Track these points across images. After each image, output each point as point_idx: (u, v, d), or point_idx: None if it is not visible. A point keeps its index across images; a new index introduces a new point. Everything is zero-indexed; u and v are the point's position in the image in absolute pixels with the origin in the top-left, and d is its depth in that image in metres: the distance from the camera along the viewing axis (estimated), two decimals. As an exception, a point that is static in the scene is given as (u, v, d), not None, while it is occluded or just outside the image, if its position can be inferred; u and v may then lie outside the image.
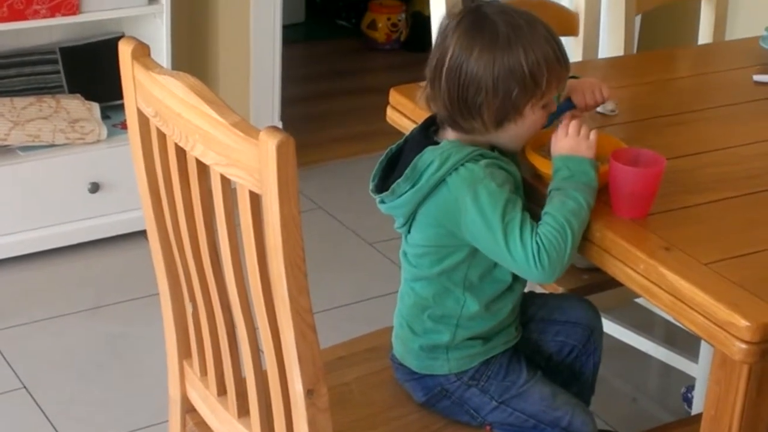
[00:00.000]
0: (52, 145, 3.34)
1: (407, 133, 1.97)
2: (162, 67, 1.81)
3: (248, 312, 1.77)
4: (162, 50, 3.40)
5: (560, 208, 1.79)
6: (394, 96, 2.25)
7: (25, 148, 3.32)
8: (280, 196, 1.55)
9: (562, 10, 2.69)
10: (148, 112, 1.81)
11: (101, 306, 3.23)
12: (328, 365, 1.96)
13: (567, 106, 2.01)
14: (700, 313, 1.64)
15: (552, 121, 1.95)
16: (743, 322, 1.58)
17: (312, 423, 1.71)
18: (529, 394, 1.97)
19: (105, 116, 3.48)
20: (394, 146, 1.94)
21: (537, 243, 1.77)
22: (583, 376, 2.12)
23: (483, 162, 1.82)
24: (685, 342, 2.86)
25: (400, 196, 1.85)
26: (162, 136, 1.80)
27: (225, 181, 1.68)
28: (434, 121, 1.93)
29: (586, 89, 2.03)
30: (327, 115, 4.62)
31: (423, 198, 1.85)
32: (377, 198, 1.91)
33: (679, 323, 1.71)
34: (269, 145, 1.53)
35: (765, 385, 1.68)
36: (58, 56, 3.49)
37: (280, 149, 1.53)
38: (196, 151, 1.71)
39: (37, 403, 2.82)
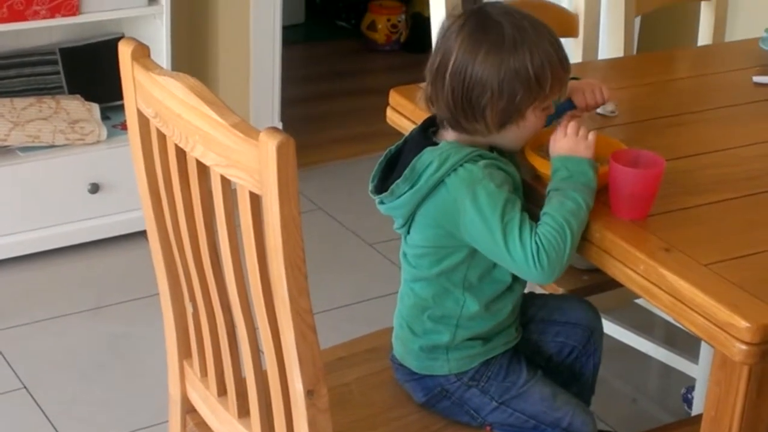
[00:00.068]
0: (52, 146, 3.34)
1: (407, 134, 1.97)
2: (162, 68, 1.81)
3: (248, 312, 1.77)
4: (162, 51, 3.41)
5: (559, 209, 1.79)
6: (394, 97, 2.25)
7: (25, 149, 3.32)
8: (280, 196, 1.55)
9: (561, 11, 2.69)
10: (148, 112, 1.81)
11: (102, 306, 3.23)
12: (328, 366, 1.96)
13: (567, 106, 2.02)
14: (700, 314, 1.64)
15: (551, 121, 1.95)
16: (743, 323, 1.58)
17: (312, 423, 1.72)
18: (529, 394, 1.97)
19: (105, 117, 3.48)
20: (393, 147, 1.94)
21: (536, 243, 1.77)
22: (583, 376, 2.12)
23: (482, 163, 1.82)
24: (685, 343, 2.86)
25: (399, 196, 1.86)
26: (162, 137, 1.80)
27: (225, 182, 1.68)
28: (433, 122, 1.93)
29: (587, 90, 2.04)
30: (327, 116, 4.62)
31: (422, 199, 1.85)
32: (376, 199, 1.91)
33: (679, 324, 1.71)
34: (269, 146, 1.53)
35: (765, 386, 1.68)
36: (58, 57, 3.49)
37: (280, 150, 1.53)
38: (196, 152, 1.71)
39: (37, 404, 2.82)
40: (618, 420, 2.83)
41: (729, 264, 1.72)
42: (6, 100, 3.35)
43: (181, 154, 1.76)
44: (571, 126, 1.87)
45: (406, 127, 2.17)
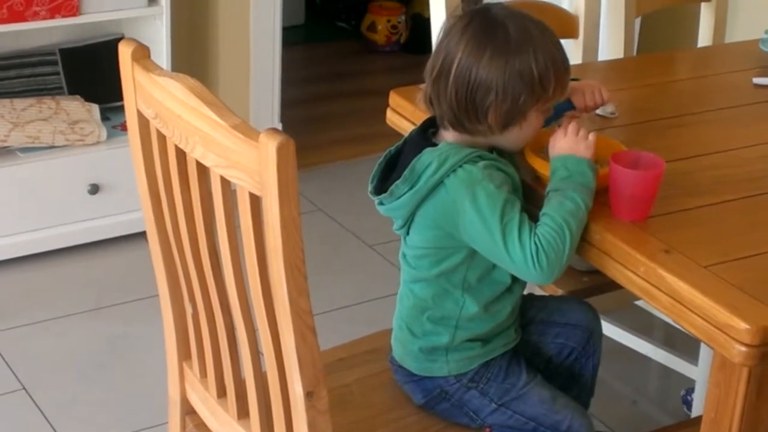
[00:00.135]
0: (52, 147, 3.34)
1: (406, 135, 1.97)
2: (162, 68, 1.81)
3: (248, 314, 1.77)
4: (162, 52, 3.41)
5: (558, 209, 1.79)
6: (394, 98, 2.25)
7: (25, 150, 3.32)
8: (280, 198, 1.55)
9: (561, 12, 2.69)
10: (148, 113, 1.81)
11: (102, 307, 3.23)
12: (328, 367, 1.96)
13: (566, 107, 2.02)
14: (699, 316, 1.64)
15: (550, 122, 1.95)
16: (743, 325, 1.58)
17: (312, 425, 1.72)
18: (528, 396, 1.97)
19: (105, 118, 3.48)
20: (393, 148, 1.94)
21: (535, 244, 1.77)
22: (583, 378, 2.12)
23: (481, 164, 1.82)
24: (684, 345, 2.86)
25: (399, 197, 1.85)
26: (162, 138, 1.80)
27: (225, 183, 1.68)
28: (433, 123, 1.93)
29: (586, 91, 2.04)
30: (327, 117, 4.62)
31: (421, 200, 1.85)
32: (376, 200, 1.91)
33: (678, 326, 1.71)
34: (269, 147, 1.53)
35: (765, 387, 1.68)
36: (57, 57, 3.49)
37: (280, 151, 1.53)
38: (196, 153, 1.71)
39: (36, 404, 2.81)
40: (617, 421, 2.83)
41: (729, 266, 1.72)
42: (6, 101, 3.35)
43: (181, 155, 1.76)
44: (572, 126, 1.87)
45: (406, 128, 2.17)
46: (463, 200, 1.80)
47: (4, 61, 3.41)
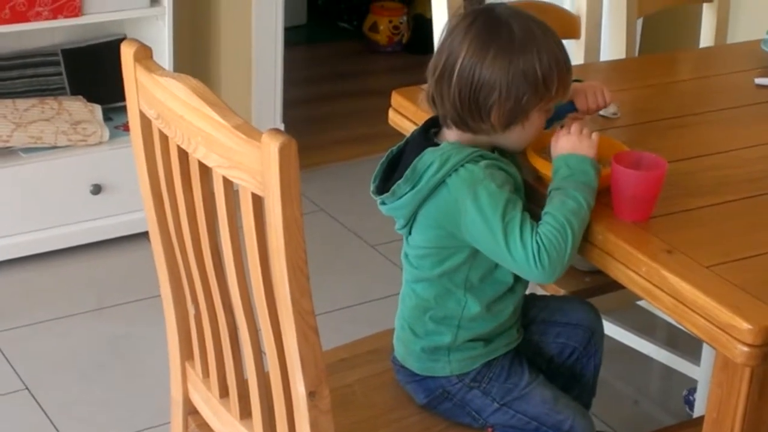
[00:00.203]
0: (54, 147, 3.34)
1: (408, 135, 1.97)
2: (164, 69, 1.81)
3: (250, 314, 1.77)
4: (164, 52, 3.41)
5: (560, 208, 1.79)
6: (396, 98, 2.25)
7: (27, 150, 3.32)
8: (282, 198, 1.56)
9: (563, 13, 2.69)
10: (150, 114, 1.81)
11: (104, 307, 3.23)
12: (330, 367, 1.96)
13: (569, 108, 2.02)
14: (701, 316, 1.64)
15: (552, 124, 1.95)
16: (745, 325, 1.58)
17: (314, 425, 1.72)
18: (531, 396, 1.97)
19: (107, 118, 3.48)
20: (395, 148, 1.94)
21: (537, 243, 1.77)
22: (584, 378, 2.12)
23: (483, 163, 1.83)
24: (686, 345, 2.86)
25: (401, 197, 1.86)
26: (164, 139, 1.80)
27: (227, 184, 1.68)
28: (434, 122, 1.93)
29: (589, 93, 2.04)
30: (329, 117, 4.62)
31: (423, 199, 1.85)
32: (378, 199, 1.91)
33: (680, 326, 1.71)
34: (271, 147, 1.53)
35: (767, 388, 1.68)
36: (60, 58, 3.49)
37: (283, 151, 1.53)
38: (198, 154, 1.71)
39: (38, 404, 2.82)
40: (619, 421, 2.83)
41: (731, 266, 1.72)
42: (8, 101, 3.35)
43: (183, 155, 1.76)
44: (574, 125, 1.88)
45: (408, 128, 2.17)
46: (465, 199, 1.80)
47: (6, 61, 3.42)
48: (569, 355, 2.10)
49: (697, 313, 1.64)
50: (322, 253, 3.54)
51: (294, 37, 5.12)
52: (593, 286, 2.36)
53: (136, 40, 1.84)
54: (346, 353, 2.15)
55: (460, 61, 1.82)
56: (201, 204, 1.77)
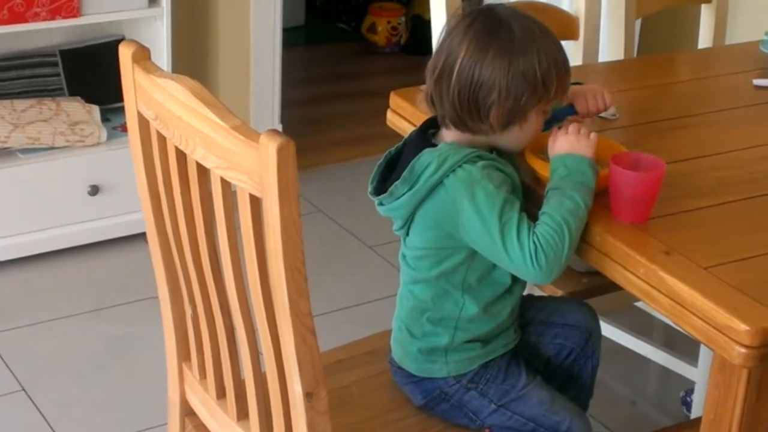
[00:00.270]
0: (52, 148, 3.34)
1: (406, 136, 1.97)
2: (162, 70, 1.81)
3: (248, 315, 1.77)
4: (162, 53, 3.41)
5: (558, 208, 1.79)
6: (394, 99, 2.25)
7: (25, 151, 3.32)
8: (280, 199, 1.55)
9: (562, 13, 2.69)
10: (148, 115, 1.81)
11: (102, 308, 3.23)
12: (328, 368, 1.96)
13: (568, 111, 2.02)
14: (699, 317, 1.64)
15: (550, 126, 1.95)
16: (742, 326, 1.58)
17: (311, 426, 1.72)
18: (528, 397, 1.97)
19: (105, 119, 3.48)
20: (393, 149, 1.94)
21: (534, 243, 1.77)
22: (582, 379, 2.12)
23: (480, 164, 1.83)
24: (684, 346, 2.86)
25: (398, 198, 1.86)
26: (162, 139, 1.80)
27: (225, 185, 1.68)
28: (433, 123, 1.93)
29: (588, 96, 2.04)
30: (327, 118, 4.62)
31: (421, 200, 1.85)
32: (376, 200, 1.91)
33: (678, 327, 1.71)
34: (269, 148, 1.53)
35: (764, 389, 1.68)
36: (58, 59, 3.49)
37: (281, 152, 1.53)
38: (196, 155, 1.71)
39: (36, 406, 2.81)
40: (617, 423, 2.83)
41: (729, 267, 1.72)
42: (6, 102, 3.35)
43: (181, 156, 1.76)
44: (572, 126, 1.88)
45: (406, 129, 2.17)
46: (462, 200, 1.80)
47: (4, 62, 3.41)
48: (566, 356, 2.10)
49: (695, 315, 1.64)
50: (320, 254, 3.54)
51: (292, 37, 5.12)
52: (591, 287, 2.36)
53: (135, 41, 1.84)
54: (343, 354, 2.15)
55: (459, 60, 1.82)
56: (199, 205, 1.77)
